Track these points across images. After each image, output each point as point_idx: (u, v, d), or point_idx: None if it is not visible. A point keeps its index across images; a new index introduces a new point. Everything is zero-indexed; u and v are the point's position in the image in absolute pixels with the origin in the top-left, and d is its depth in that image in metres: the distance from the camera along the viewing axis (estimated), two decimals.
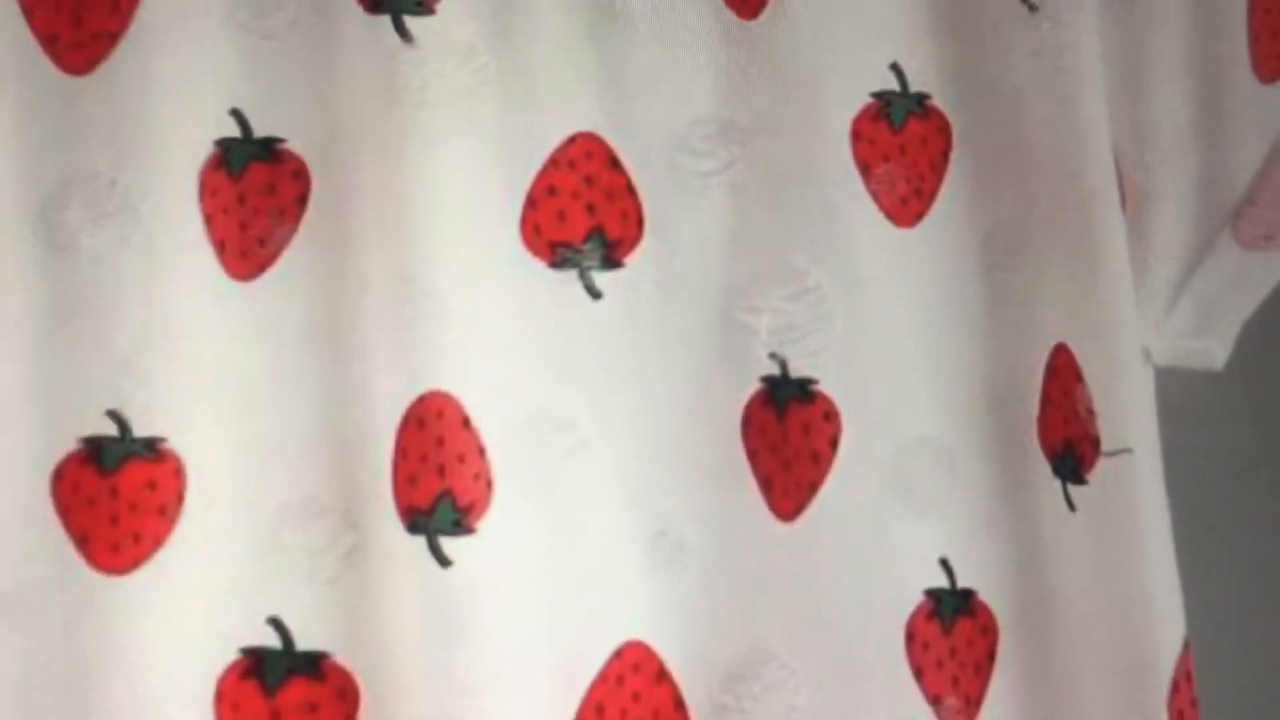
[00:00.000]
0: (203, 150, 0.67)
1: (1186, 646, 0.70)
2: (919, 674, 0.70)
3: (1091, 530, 0.71)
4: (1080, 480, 0.71)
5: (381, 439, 0.66)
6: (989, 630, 0.71)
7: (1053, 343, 0.72)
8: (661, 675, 0.68)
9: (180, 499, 0.65)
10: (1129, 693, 0.70)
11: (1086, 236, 0.71)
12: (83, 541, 0.65)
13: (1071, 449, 0.71)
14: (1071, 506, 0.71)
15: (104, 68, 0.66)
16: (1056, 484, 0.71)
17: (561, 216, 0.69)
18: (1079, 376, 0.71)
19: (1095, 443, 0.71)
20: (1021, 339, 0.72)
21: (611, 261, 0.69)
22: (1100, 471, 0.71)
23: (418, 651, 0.64)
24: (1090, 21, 0.72)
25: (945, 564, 0.70)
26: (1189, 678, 0.70)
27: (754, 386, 0.70)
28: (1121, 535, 0.70)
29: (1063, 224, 0.71)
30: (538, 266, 0.68)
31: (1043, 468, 0.71)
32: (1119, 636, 0.70)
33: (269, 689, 0.65)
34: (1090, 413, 0.71)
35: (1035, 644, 0.71)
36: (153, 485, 0.65)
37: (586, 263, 0.69)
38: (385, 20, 0.67)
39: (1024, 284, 0.72)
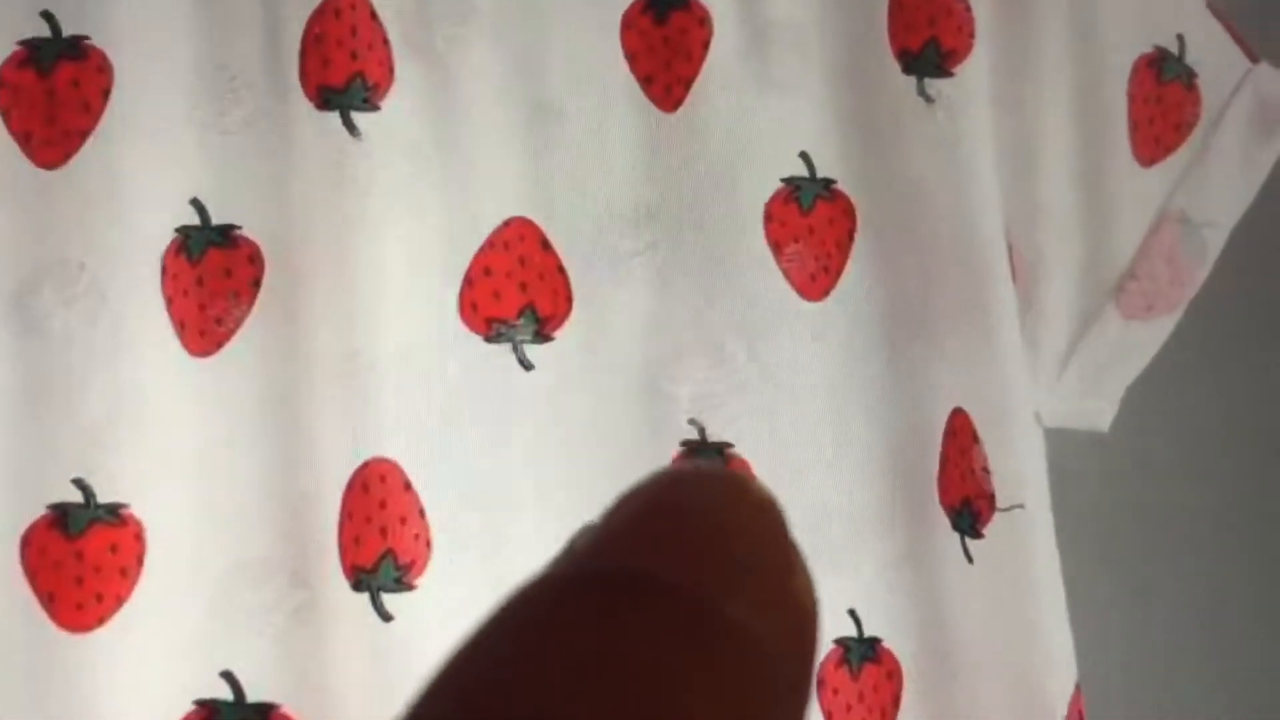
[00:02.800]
0: (165, 237, 0.72)
1: (1077, 688, 0.76)
2: (828, 718, 0.74)
3: (988, 580, 0.76)
4: (977, 534, 0.76)
5: (328, 502, 0.71)
6: (894, 675, 0.76)
7: (950, 406, 0.77)
8: None
9: (140, 561, 0.70)
10: None
11: (980, 309, 0.77)
12: (49, 601, 0.69)
13: (969, 505, 0.76)
14: (969, 558, 0.76)
15: (74, 162, 0.72)
16: (955, 538, 0.76)
17: (496, 295, 0.74)
18: (975, 437, 0.76)
19: (990, 499, 0.76)
20: (921, 403, 0.77)
21: (542, 336, 0.74)
22: (995, 526, 0.76)
23: (361, 700, 0.69)
24: (983, 114, 0.78)
25: (853, 614, 0.75)
26: (1080, 717, 0.76)
27: (675, 450, 0.75)
28: (1016, 584, 0.76)
29: (958, 297, 0.77)
30: (475, 340, 0.74)
31: (942, 523, 0.76)
32: (1015, 678, 0.75)
33: None
34: (985, 471, 0.76)
35: (938, 687, 0.76)
36: (114, 548, 0.70)
37: (520, 337, 0.74)
38: (334, 116, 0.73)
39: (923, 352, 0.77)
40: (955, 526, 0.76)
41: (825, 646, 0.75)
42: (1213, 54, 0.82)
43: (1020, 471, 0.76)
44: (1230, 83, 0.82)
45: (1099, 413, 0.81)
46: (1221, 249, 0.81)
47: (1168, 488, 0.95)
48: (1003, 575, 0.76)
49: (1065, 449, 0.80)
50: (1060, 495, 0.77)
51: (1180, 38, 0.81)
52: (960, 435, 0.77)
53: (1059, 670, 0.75)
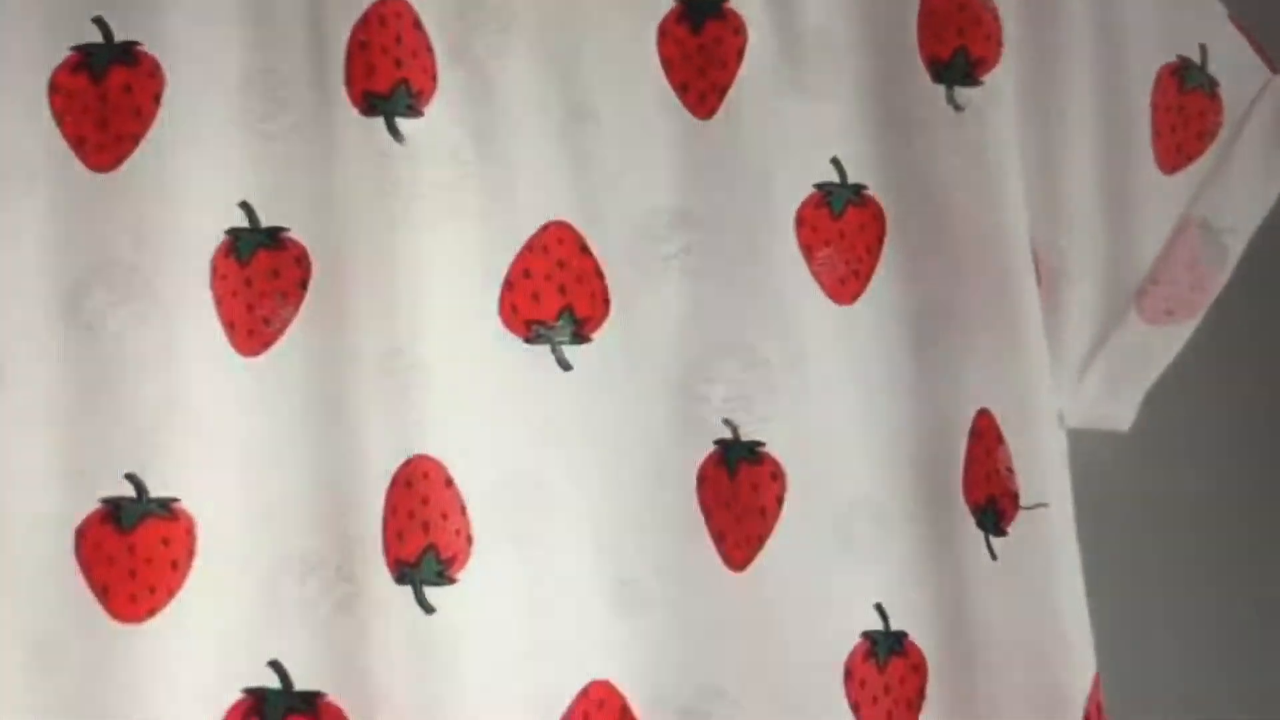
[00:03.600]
0: (214, 239, 0.74)
1: (1096, 681, 0.78)
2: (856, 709, 0.76)
3: (1011, 577, 0.78)
4: (1001, 532, 0.78)
5: (373, 498, 0.73)
6: (919, 668, 0.78)
7: (976, 407, 0.79)
8: (624, 712, 0.75)
9: (191, 554, 0.72)
10: None
11: (1006, 312, 0.79)
12: (103, 593, 0.72)
13: (993, 504, 0.79)
14: (993, 555, 0.78)
15: (127, 166, 0.74)
16: (980, 535, 0.79)
17: (536, 297, 0.76)
18: (999, 438, 0.79)
19: (1014, 498, 0.78)
20: (947, 404, 0.79)
21: (580, 337, 0.77)
22: (1019, 524, 0.78)
23: (404, 689, 0.72)
24: (1009, 120, 0.80)
25: (880, 609, 0.77)
26: (1099, 709, 0.78)
27: (708, 449, 0.77)
28: (1037, 581, 0.78)
29: (984, 301, 0.79)
30: (514, 342, 0.76)
31: (967, 521, 0.79)
32: (1035, 671, 0.77)
33: None
34: (1010, 471, 0.78)
35: (961, 680, 0.78)
36: (166, 541, 0.72)
37: (558, 338, 0.76)
38: (379, 122, 0.75)
39: (949, 355, 0.79)
40: (979, 524, 0.79)
41: (853, 639, 0.77)
42: (1234, 63, 0.84)
43: (1043, 471, 0.79)
44: (1251, 92, 0.84)
45: (1119, 416, 0.83)
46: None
47: (1184, 481, 0.97)
48: (1025, 572, 0.78)
49: (1083, 444, 0.82)
50: (1079, 489, 0.79)
51: (1203, 47, 0.84)
52: (985, 435, 0.79)
53: (1078, 663, 0.78)
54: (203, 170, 0.74)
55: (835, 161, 0.79)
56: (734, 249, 0.78)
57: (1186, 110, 0.83)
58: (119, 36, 0.74)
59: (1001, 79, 0.79)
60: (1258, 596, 0.98)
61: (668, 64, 0.78)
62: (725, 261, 0.78)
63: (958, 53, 0.79)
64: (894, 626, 0.77)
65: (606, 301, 0.77)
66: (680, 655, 0.76)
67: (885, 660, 0.77)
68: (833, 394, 0.78)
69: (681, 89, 0.78)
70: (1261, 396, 0.98)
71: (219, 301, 0.74)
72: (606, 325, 0.77)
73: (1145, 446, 0.85)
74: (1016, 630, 0.78)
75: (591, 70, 0.78)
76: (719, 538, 0.76)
